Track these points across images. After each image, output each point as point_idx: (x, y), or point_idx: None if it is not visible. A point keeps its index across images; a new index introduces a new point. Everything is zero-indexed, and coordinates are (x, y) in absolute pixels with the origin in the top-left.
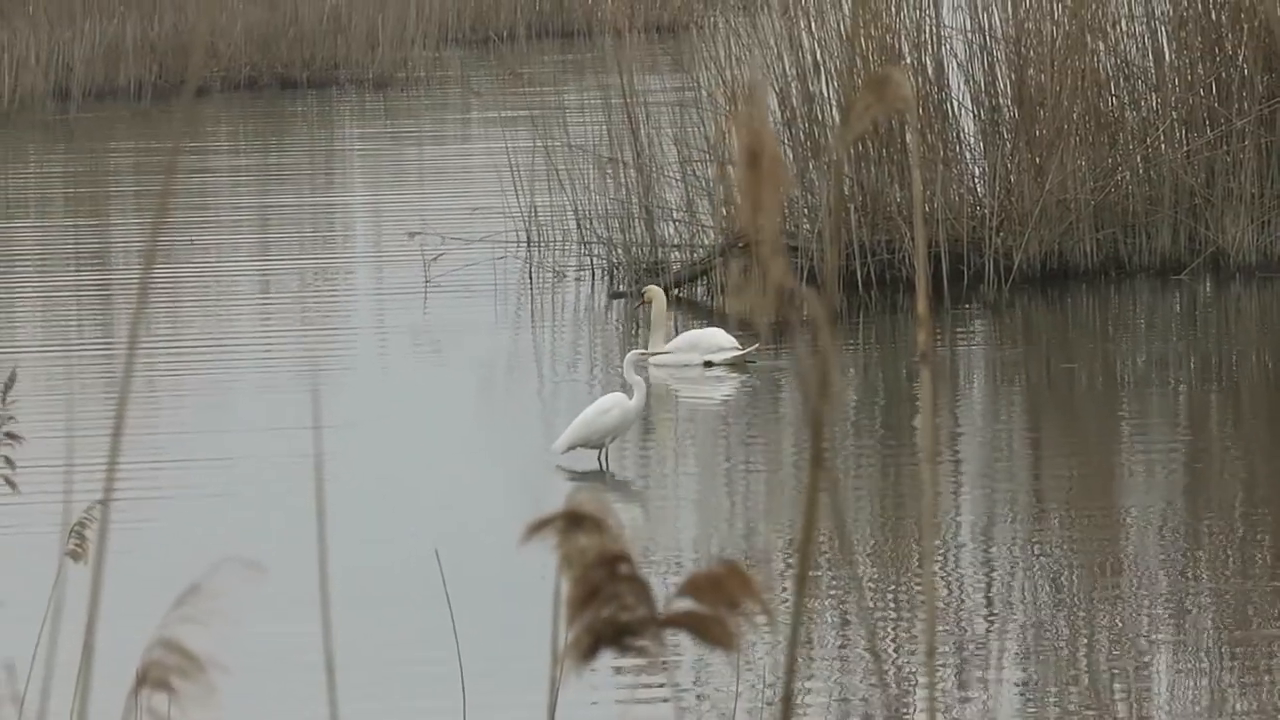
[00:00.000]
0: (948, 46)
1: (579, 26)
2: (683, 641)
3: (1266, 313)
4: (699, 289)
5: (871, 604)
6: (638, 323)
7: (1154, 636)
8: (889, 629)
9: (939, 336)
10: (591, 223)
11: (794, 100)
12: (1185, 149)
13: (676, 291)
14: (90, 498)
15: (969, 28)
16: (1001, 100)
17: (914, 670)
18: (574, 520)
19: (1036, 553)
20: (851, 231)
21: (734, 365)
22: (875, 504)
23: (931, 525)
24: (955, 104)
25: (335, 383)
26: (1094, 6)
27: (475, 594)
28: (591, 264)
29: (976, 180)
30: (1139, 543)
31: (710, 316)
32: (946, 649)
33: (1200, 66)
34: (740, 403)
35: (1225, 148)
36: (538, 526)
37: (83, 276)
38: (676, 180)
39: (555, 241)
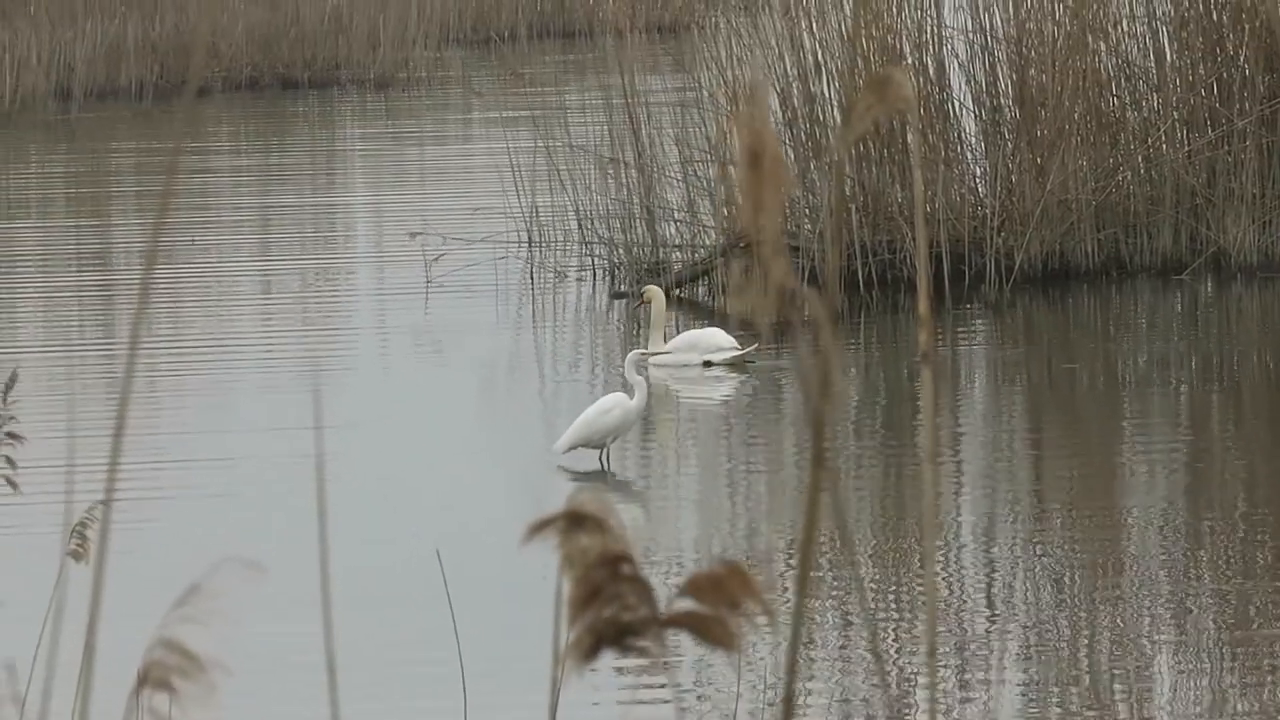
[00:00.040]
0: (949, 47)
1: (580, 27)
2: (684, 642)
3: (1268, 313)
4: (700, 289)
5: (873, 604)
6: (639, 323)
7: (1155, 636)
8: (890, 629)
9: (940, 336)
10: (593, 223)
11: (795, 100)
12: (1186, 149)
13: (678, 292)
14: (91, 498)
15: (970, 28)
16: (1003, 100)
17: (915, 670)
18: (575, 520)
19: (1038, 553)
20: (853, 231)
21: (733, 365)
22: (876, 504)
23: (933, 525)
24: (957, 104)
25: (336, 383)
26: (1095, 7)
27: (476, 594)
28: (593, 264)
29: (978, 180)
30: (1140, 543)
31: (711, 317)
32: (948, 649)
33: (1201, 67)
34: (741, 403)
35: (1226, 148)
36: (539, 527)
37: (84, 277)
38: (678, 180)
39: (556, 242)
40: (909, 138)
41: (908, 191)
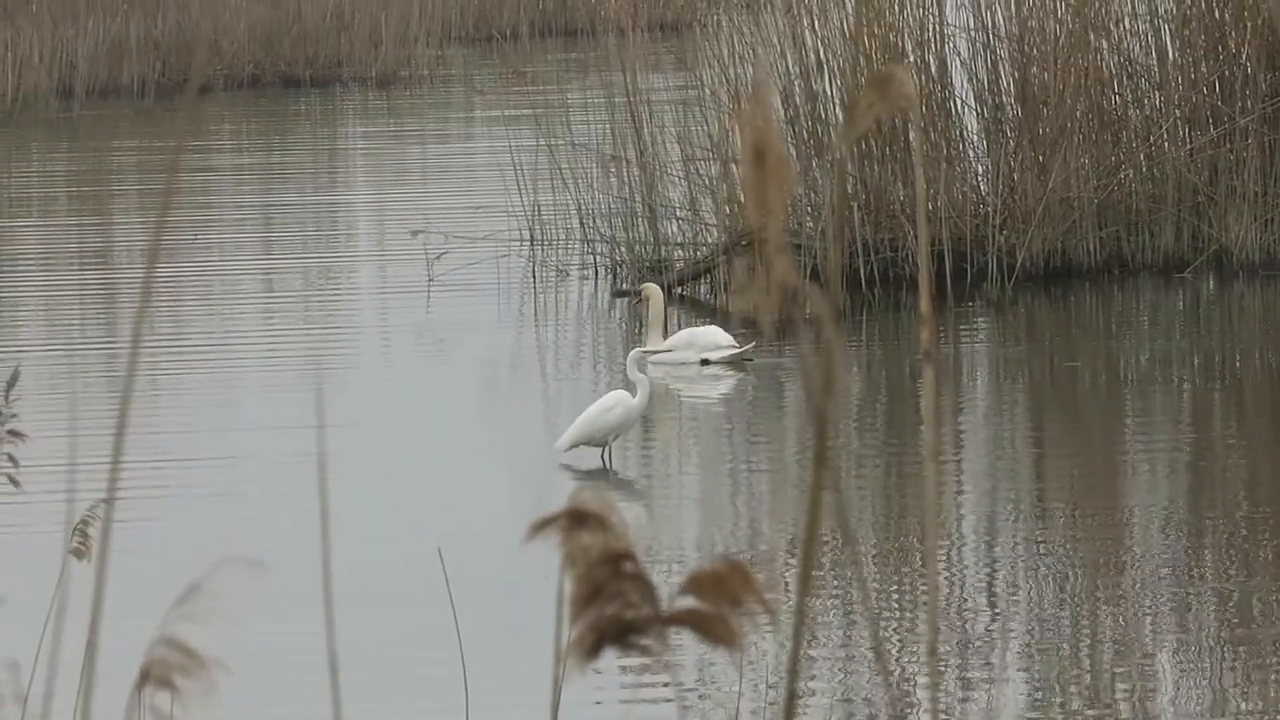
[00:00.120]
0: (951, 45)
1: (582, 25)
2: (686, 640)
3: (1269, 311)
4: (702, 287)
5: (874, 603)
6: (640, 321)
7: (1157, 635)
8: (892, 628)
9: (942, 335)
10: (595, 221)
11: (797, 98)
12: (1188, 147)
13: (679, 290)
14: (93, 496)
15: (972, 26)
16: (1005, 98)
17: (917, 669)
18: (577, 518)
19: (1039, 551)
20: (855, 229)
21: (731, 363)
22: (878, 502)
23: (934, 524)
24: (958, 102)
25: (338, 381)
26: (1097, 5)
27: (478, 593)
28: (595, 262)
29: (980, 178)
30: (1142, 541)
31: (713, 315)
32: (949, 648)
33: (1203, 65)
34: (743, 401)
35: (1228, 146)
36: (541, 525)
37: (86, 275)
38: (679, 178)
39: (558, 240)
40: (911, 136)
41: (910, 189)
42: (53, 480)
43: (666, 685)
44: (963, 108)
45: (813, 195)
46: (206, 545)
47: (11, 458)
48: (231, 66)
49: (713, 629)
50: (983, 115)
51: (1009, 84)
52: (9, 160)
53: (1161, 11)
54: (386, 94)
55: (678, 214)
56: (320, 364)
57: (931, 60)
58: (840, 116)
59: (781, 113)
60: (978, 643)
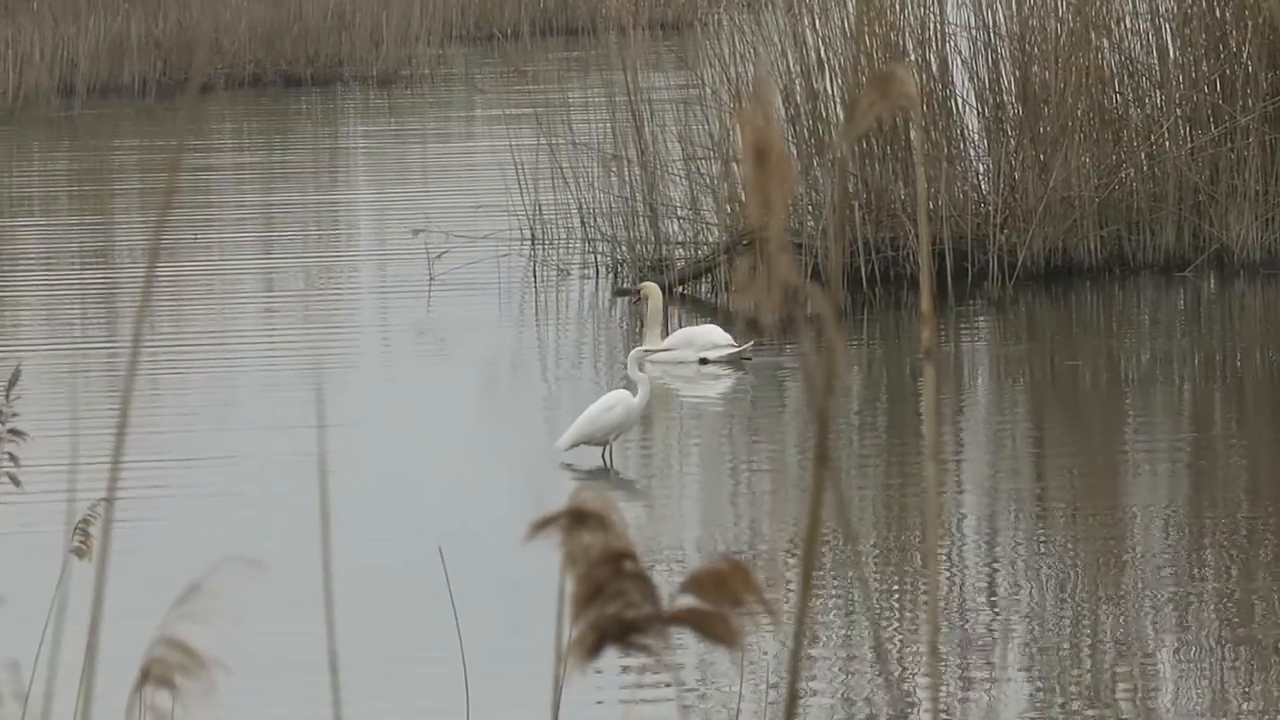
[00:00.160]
0: (952, 43)
1: (583, 24)
2: (686, 640)
3: (1270, 309)
4: (703, 286)
5: (875, 602)
6: (641, 320)
7: (1158, 634)
8: (893, 627)
9: (943, 333)
10: (595, 220)
11: (798, 97)
12: (1189, 146)
13: (680, 289)
14: (93, 495)
15: (973, 25)
16: (1006, 97)
17: (917, 668)
18: (578, 518)
19: (1040, 550)
20: (856, 229)
21: (729, 363)
22: (879, 501)
23: (935, 523)
24: (959, 101)
25: (339, 381)
26: (1098, 4)
27: (479, 592)
28: (595, 261)
29: (981, 177)
30: (1143, 540)
31: (714, 314)
32: (950, 647)
33: (1204, 63)
34: (744, 400)
35: (1229, 145)
36: (542, 524)
37: (86, 274)
38: (680, 177)
39: (559, 239)
40: (912, 135)
41: (911, 188)
42: (53, 479)
43: (668, 685)
44: (964, 106)
45: (814, 194)
46: (207, 545)
47: (12, 456)
48: (232, 65)
49: (713, 628)
50: (984, 114)
51: (1010, 83)
52: (10, 159)
53: (1162, 10)
54: (387, 93)
55: (679, 213)
56: (320, 363)
57: (933, 59)
58: (841, 115)
59: (782, 111)
60: (978, 642)
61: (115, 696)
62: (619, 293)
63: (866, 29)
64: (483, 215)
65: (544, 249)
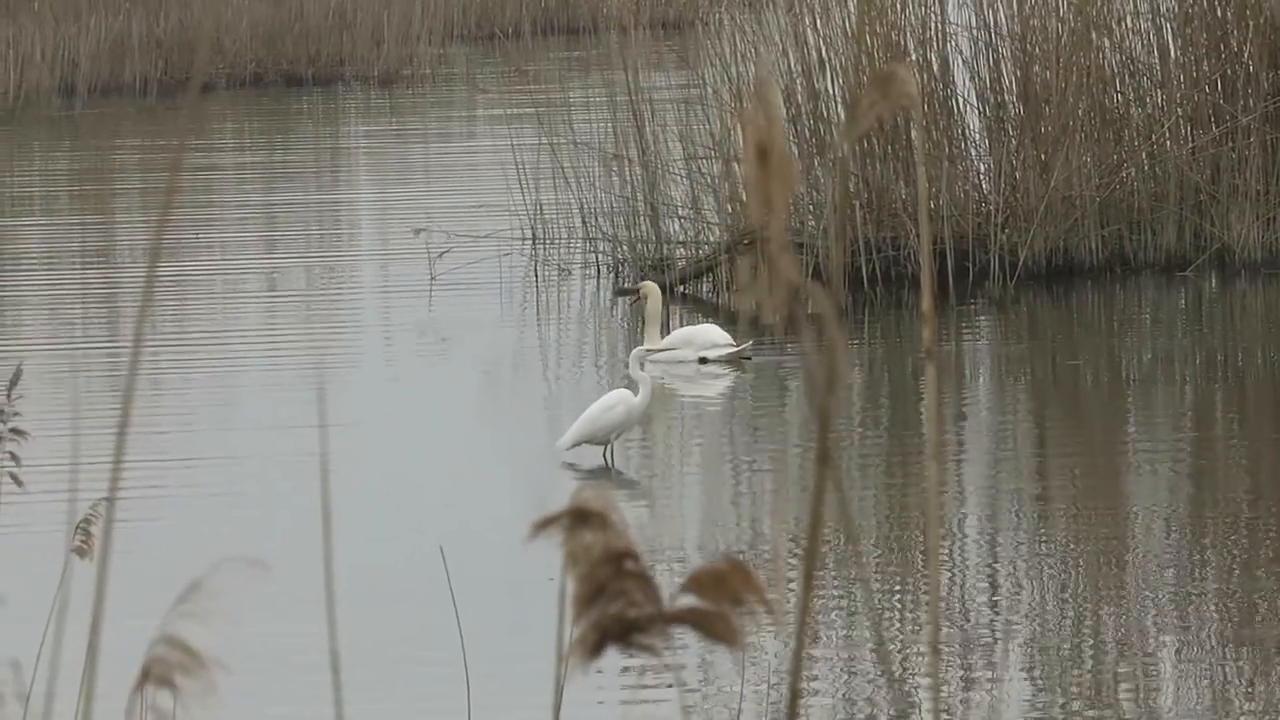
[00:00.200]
0: (953, 43)
1: (584, 23)
2: (687, 639)
3: (1271, 309)
4: (704, 285)
5: (876, 601)
6: (642, 319)
7: (1159, 634)
8: (894, 626)
9: (944, 333)
10: (597, 219)
11: (799, 97)
12: (1190, 145)
13: (682, 288)
14: (95, 495)
15: (974, 24)
16: (1007, 97)
17: (918, 668)
18: (579, 517)
19: (1041, 550)
20: (857, 228)
21: (729, 362)
22: (880, 500)
23: (936, 522)
24: (960, 101)
25: (340, 380)
26: (1099, 3)
27: (480, 592)
28: (597, 260)
29: (982, 177)
30: (1144, 539)
31: (715, 313)
32: (951, 646)
33: (1205, 63)
34: (745, 399)
35: (1230, 144)
36: (543, 524)
37: (88, 273)
38: (682, 177)
39: (560, 238)
40: (913, 134)
41: (912, 188)
42: (54, 479)
43: (670, 686)
44: (965, 106)
45: (815, 193)
46: (208, 544)
47: (14, 456)
48: (234, 65)
49: (715, 628)
50: (985, 114)
51: (1011, 82)
52: (11, 158)
53: (1163, 10)
54: (389, 92)
55: (680, 212)
56: (322, 363)
57: (934, 59)
58: (842, 115)
59: (784, 111)
60: (980, 641)
61: (116, 696)
62: (620, 292)
63: (868, 28)
64: (484, 215)
65: (545, 248)
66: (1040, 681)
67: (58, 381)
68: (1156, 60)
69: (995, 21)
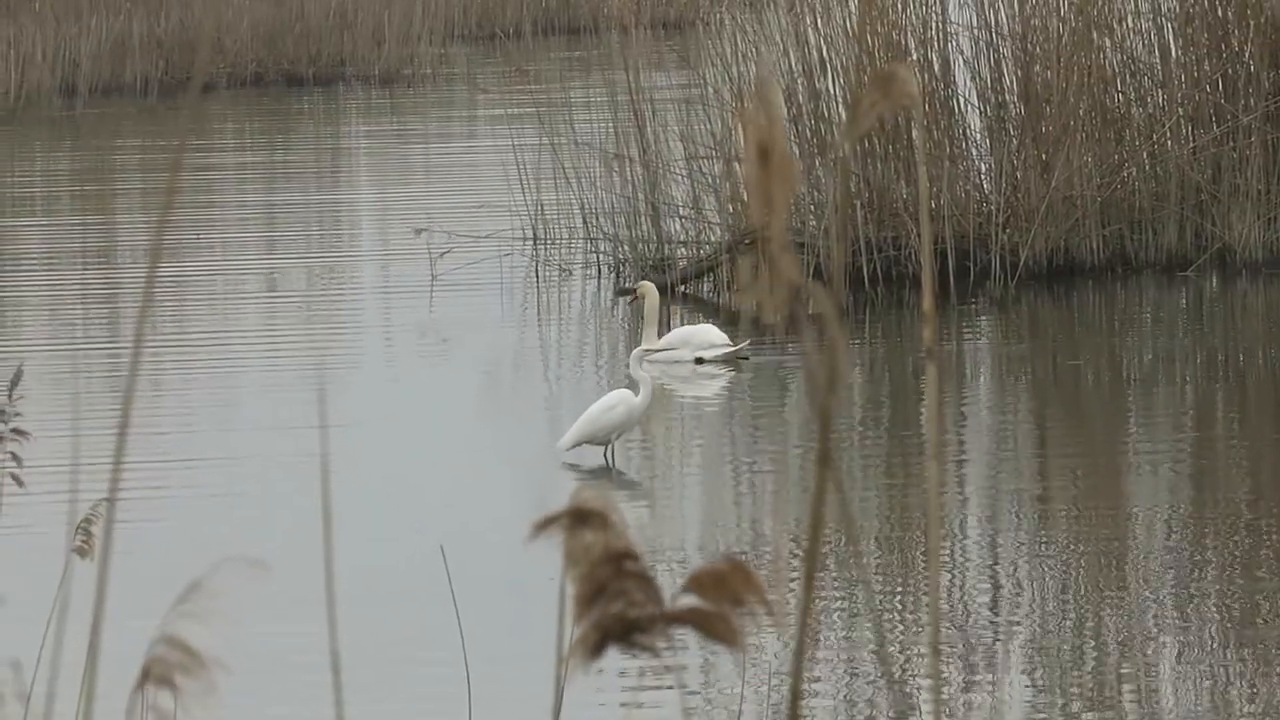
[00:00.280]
0: (954, 43)
1: (585, 23)
2: (688, 640)
3: (1273, 309)
4: (705, 285)
5: (877, 602)
6: (641, 319)
7: (1160, 634)
8: (895, 627)
9: (945, 333)
10: (597, 219)
11: (800, 97)
12: (1191, 145)
13: (682, 288)
14: (95, 495)
15: (975, 24)
16: (1008, 97)
17: (919, 668)
18: (580, 517)
19: (1042, 550)
20: (858, 228)
21: (726, 362)
22: (880, 500)
23: (937, 522)
24: (961, 100)
25: (341, 380)
26: (1100, 3)
27: (480, 592)
28: (597, 260)
29: (983, 177)
30: (1145, 539)
31: (716, 313)
32: (952, 647)
33: (1206, 63)
34: (745, 399)
35: (1232, 144)
36: (544, 524)
37: (88, 274)
38: (682, 177)
39: (561, 238)
40: (914, 134)
41: (913, 188)
42: (55, 480)
43: (671, 687)
44: (966, 106)
45: (816, 193)
46: (208, 545)
47: (15, 456)
48: (234, 65)
49: (715, 628)
50: (986, 113)
51: (1012, 82)
52: (12, 159)
53: (1164, 9)
54: (389, 92)
55: (681, 212)
56: (323, 363)
57: (935, 58)
58: (843, 114)
59: (785, 111)
60: (980, 642)
61: (116, 696)
62: (620, 292)
63: (869, 28)
64: (485, 215)
65: (546, 248)
66: (1041, 682)
67: (58, 382)
68: (1157, 60)
69: (996, 21)
